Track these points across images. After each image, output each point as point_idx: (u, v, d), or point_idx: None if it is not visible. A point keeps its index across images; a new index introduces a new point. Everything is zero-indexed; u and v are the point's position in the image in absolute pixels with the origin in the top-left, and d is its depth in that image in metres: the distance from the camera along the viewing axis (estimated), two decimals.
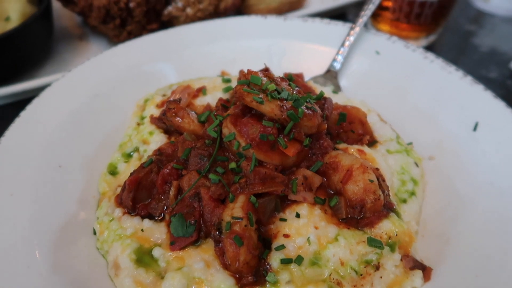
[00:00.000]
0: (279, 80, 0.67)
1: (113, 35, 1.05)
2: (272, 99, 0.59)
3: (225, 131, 0.62)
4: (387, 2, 1.11)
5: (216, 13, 1.09)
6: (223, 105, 0.72)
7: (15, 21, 0.95)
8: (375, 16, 1.18)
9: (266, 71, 0.83)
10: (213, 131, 0.64)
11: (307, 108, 0.61)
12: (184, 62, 0.95)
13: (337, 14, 1.31)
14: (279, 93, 0.62)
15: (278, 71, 0.94)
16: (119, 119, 0.83)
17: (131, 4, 1.00)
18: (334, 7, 1.24)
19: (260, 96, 0.60)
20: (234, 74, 0.96)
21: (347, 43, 0.92)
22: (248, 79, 0.63)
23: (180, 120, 0.69)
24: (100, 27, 1.05)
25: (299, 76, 0.84)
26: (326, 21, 1.00)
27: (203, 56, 0.97)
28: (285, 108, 0.59)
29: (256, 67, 0.96)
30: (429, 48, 1.20)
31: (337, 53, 0.93)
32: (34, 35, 0.95)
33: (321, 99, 0.70)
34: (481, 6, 1.38)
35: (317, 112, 0.62)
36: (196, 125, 0.69)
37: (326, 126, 0.64)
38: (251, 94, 0.59)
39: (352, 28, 0.94)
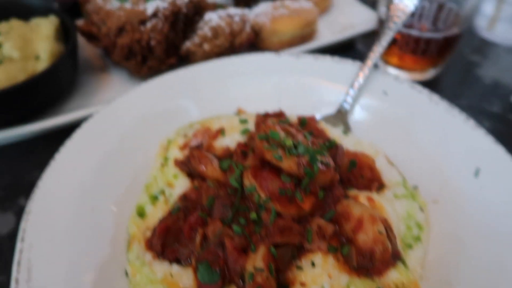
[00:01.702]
0: (294, 131, 0.73)
1: (134, 70, 1.11)
2: (290, 155, 0.65)
3: (246, 182, 0.68)
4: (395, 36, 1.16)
5: (232, 47, 1.15)
6: (243, 151, 0.78)
7: (44, 60, 1.01)
8: None
9: (280, 116, 0.89)
10: (235, 181, 0.70)
11: (322, 163, 0.67)
12: (202, 99, 1.01)
13: (346, 43, 1.37)
14: (295, 147, 0.67)
15: (291, 108, 1.00)
16: (144, 159, 0.89)
17: (152, 42, 1.05)
18: (343, 39, 1.29)
19: (279, 152, 0.66)
20: (250, 110, 1.02)
21: (356, 84, 0.98)
22: (267, 134, 0.69)
23: (204, 168, 0.75)
24: (122, 63, 1.10)
25: (312, 119, 0.90)
26: (336, 59, 1.06)
27: (220, 93, 1.03)
28: (302, 165, 0.65)
29: (270, 104, 1.03)
30: (434, 79, 1.25)
31: (347, 94, 0.99)
32: (62, 73, 1.01)
33: (333, 147, 0.76)
34: (485, 35, 1.43)
35: (331, 167, 0.67)
36: (219, 173, 0.74)
37: (338, 176, 0.70)
38: (271, 152, 0.66)
39: (361, 69, 1.00)
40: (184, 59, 1.19)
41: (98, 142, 0.87)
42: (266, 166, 0.68)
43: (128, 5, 1.07)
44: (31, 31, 1.04)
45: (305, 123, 0.88)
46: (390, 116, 0.95)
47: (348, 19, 1.40)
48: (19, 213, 0.92)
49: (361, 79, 0.98)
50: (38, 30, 1.05)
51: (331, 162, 0.69)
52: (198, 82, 1.03)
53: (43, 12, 1.12)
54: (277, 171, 0.67)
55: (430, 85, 1.24)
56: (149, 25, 1.04)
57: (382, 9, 1.17)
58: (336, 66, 1.05)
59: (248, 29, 1.14)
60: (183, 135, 0.91)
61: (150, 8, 1.04)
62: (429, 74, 1.23)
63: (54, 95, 1.03)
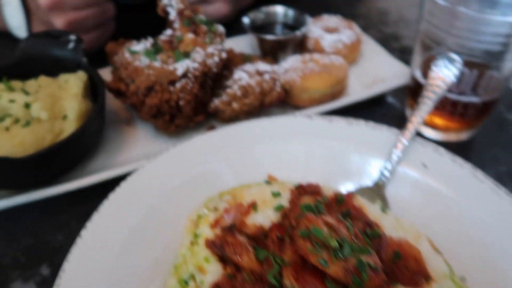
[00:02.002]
0: (336, 223, 0.68)
1: (161, 127, 1.08)
2: (336, 260, 0.61)
3: (287, 283, 0.63)
4: None
5: (261, 105, 1.12)
6: (279, 237, 0.74)
7: (72, 120, 0.98)
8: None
9: (315, 190, 0.85)
10: (274, 278, 0.65)
11: (370, 266, 0.62)
12: (233, 164, 0.98)
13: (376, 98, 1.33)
14: (340, 246, 0.63)
15: (324, 176, 0.96)
16: (172, 234, 0.85)
17: (181, 102, 1.03)
18: (374, 95, 1.26)
19: (324, 256, 0.61)
20: (281, 177, 0.98)
21: (395, 157, 0.94)
22: (309, 229, 0.65)
23: (239, 258, 0.71)
24: (150, 120, 1.08)
25: (350, 197, 0.86)
26: (371, 125, 1.02)
27: (250, 158, 0.99)
28: (349, 271, 0.60)
29: (302, 170, 1.00)
30: (469, 140, 1.20)
31: (385, 167, 0.94)
32: (89, 134, 0.98)
33: (376, 237, 0.72)
34: None
35: (379, 272, 0.63)
36: (255, 264, 0.70)
37: (385, 277, 0.65)
38: (315, 256, 0.61)
39: (399, 140, 0.96)
40: (212, 115, 1.16)
41: (124, 216, 0.83)
42: (307, 264, 0.64)
43: (157, 63, 1.05)
44: (59, 89, 1.03)
45: (343, 201, 0.84)
46: (430, 193, 0.90)
47: (377, 71, 1.37)
48: (41, 284, 0.88)
49: (399, 151, 0.94)
50: (66, 87, 1.03)
51: (379, 263, 0.64)
52: (228, 146, 0.99)
53: (72, 66, 1.11)
54: (320, 272, 0.62)
55: (465, 147, 1.19)
56: (178, 85, 1.02)
57: (417, 72, 1.13)
58: (371, 132, 1.01)
59: (278, 88, 1.11)
60: (213, 209, 0.87)
61: (180, 69, 1.01)
62: (465, 135, 1.18)
63: (80, 156, 1.01)
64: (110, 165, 1.06)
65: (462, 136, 1.18)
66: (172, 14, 1.08)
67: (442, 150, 0.94)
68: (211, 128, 1.16)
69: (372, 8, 1.84)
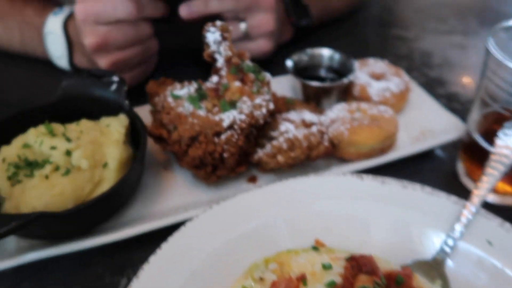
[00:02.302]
0: None
1: (202, 177, 1.03)
2: None
3: None
4: None
5: (307, 159, 1.06)
6: None
7: (112, 169, 0.95)
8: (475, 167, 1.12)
9: (372, 270, 0.78)
10: None
11: None
12: (277, 227, 0.92)
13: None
14: None
15: (376, 246, 0.89)
16: None
17: (225, 154, 0.98)
18: (423, 150, 1.19)
19: None
20: (329, 242, 0.92)
21: (456, 232, 0.86)
22: None
23: None
24: (191, 169, 1.03)
25: (409, 277, 0.78)
26: (427, 190, 0.95)
27: (296, 220, 0.93)
28: None
29: (352, 236, 0.93)
30: None
31: (445, 242, 0.87)
32: (130, 183, 0.94)
33: None
34: None
35: None
36: None
37: None
38: None
39: (462, 215, 0.88)
40: (254, 165, 1.11)
41: (164, 283, 0.78)
42: None
43: (202, 112, 1.01)
44: (101, 134, 0.99)
45: (402, 282, 0.76)
46: (496, 274, 0.82)
47: (426, 122, 1.30)
48: None
49: (462, 226, 0.86)
50: (108, 133, 1.00)
51: None
52: (273, 206, 0.94)
53: (114, 107, 1.08)
54: None
55: None
56: (223, 137, 0.97)
57: (474, 129, 1.06)
58: (428, 199, 0.93)
59: (326, 142, 1.05)
60: (259, 279, 0.81)
61: (226, 120, 0.97)
62: None
63: (117, 207, 0.97)
64: (147, 215, 1.01)
65: None
66: (220, 62, 1.04)
67: (508, 225, 0.86)
68: (253, 179, 1.11)
69: (415, 49, 1.78)
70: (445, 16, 2.02)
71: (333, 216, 0.94)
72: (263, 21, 1.29)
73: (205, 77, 1.17)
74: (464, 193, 1.11)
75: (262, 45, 1.36)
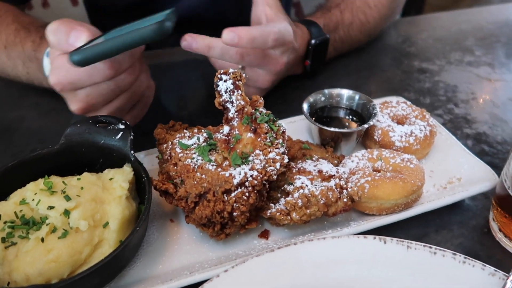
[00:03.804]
0: None
1: (210, 235, 0.96)
2: None
3: None
4: None
5: (324, 215, 0.98)
6: None
7: (113, 230, 0.89)
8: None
9: None
10: None
11: None
12: None
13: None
14: None
15: None
16: None
17: (235, 213, 0.90)
18: (451, 202, 1.09)
19: None
20: None
21: None
22: None
23: None
24: (198, 227, 0.96)
25: None
26: (459, 258, 0.85)
27: (312, 286, 0.85)
28: None
29: None
30: None
31: None
32: (132, 245, 0.87)
33: None
34: None
35: None
36: None
37: None
38: None
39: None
40: (266, 219, 1.03)
41: None
42: None
43: (211, 166, 0.94)
44: (103, 190, 0.93)
45: None
46: None
47: (453, 169, 1.20)
48: None
49: None
50: (110, 188, 0.93)
51: None
52: (288, 272, 0.85)
53: (118, 157, 1.02)
54: None
55: None
56: (233, 195, 0.90)
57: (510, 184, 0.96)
58: (460, 269, 0.83)
59: (345, 198, 0.97)
60: None
61: (237, 177, 0.89)
62: None
63: (117, 271, 0.89)
64: (149, 276, 0.94)
65: None
66: (232, 111, 0.97)
67: None
68: (264, 234, 1.03)
69: (439, 82, 1.69)
70: (470, 46, 1.93)
71: (353, 284, 0.85)
72: (261, 78, 1.27)
73: (216, 123, 1.10)
74: (499, 253, 1.01)
75: (252, 92, 1.31)
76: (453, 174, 1.18)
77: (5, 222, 0.87)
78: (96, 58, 0.92)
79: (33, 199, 0.88)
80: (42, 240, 0.83)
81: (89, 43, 0.98)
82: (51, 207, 0.86)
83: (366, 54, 1.85)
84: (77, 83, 1.01)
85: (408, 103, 1.31)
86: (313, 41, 1.47)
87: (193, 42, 1.08)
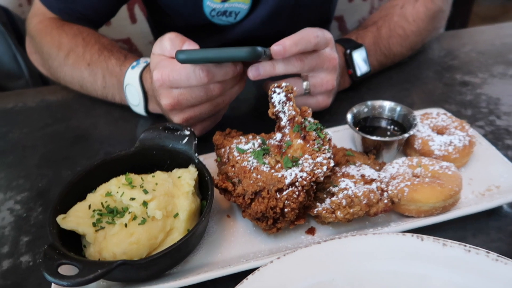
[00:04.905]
0: None
1: (263, 228, 1.09)
2: None
3: None
4: None
5: (366, 215, 1.08)
6: None
7: (182, 219, 1.03)
8: None
9: None
10: None
11: None
12: (336, 285, 0.94)
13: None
14: None
15: None
16: None
17: (286, 209, 1.03)
18: (489, 208, 1.16)
19: None
20: None
21: None
22: None
23: None
24: (253, 221, 1.09)
25: None
26: (493, 256, 0.92)
27: (354, 278, 0.95)
28: None
29: None
30: None
31: None
32: (197, 234, 1.02)
33: None
34: None
35: None
36: None
37: None
38: None
39: None
40: (313, 217, 1.14)
41: None
42: None
43: (265, 168, 1.07)
44: (173, 186, 1.09)
45: None
46: None
47: (492, 177, 1.26)
48: None
49: None
50: (179, 185, 1.09)
51: None
52: (332, 263, 0.96)
53: (184, 159, 1.17)
54: None
55: None
56: (285, 193, 1.02)
57: None
58: (494, 267, 0.91)
59: (385, 199, 1.07)
60: None
61: (288, 177, 1.02)
62: None
63: (185, 255, 1.05)
64: (210, 263, 1.08)
65: None
66: (284, 120, 1.10)
67: None
68: (311, 231, 1.14)
69: (481, 95, 1.74)
70: None
71: (391, 277, 0.95)
72: (325, 80, 1.36)
73: (268, 130, 1.24)
74: None
75: (321, 101, 1.43)
76: (492, 182, 1.24)
77: (94, 210, 1.04)
78: (197, 59, 1.12)
79: (117, 192, 1.05)
80: (126, 225, 0.99)
81: None
82: (132, 199, 1.02)
83: (409, 67, 1.93)
84: (175, 82, 1.20)
85: (448, 114, 1.38)
86: (347, 51, 1.58)
87: (258, 70, 1.24)
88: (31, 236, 1.23)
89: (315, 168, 1.04)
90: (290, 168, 1.05)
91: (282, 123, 1.11)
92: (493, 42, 2.12)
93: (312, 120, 1.13)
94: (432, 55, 2.05)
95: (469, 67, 1.92)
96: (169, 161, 1.20)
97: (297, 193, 1.03)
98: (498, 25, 2.30)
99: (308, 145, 1.08)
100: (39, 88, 2.11)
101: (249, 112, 1.72)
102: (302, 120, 1.11)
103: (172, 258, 0.99)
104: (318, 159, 1.05)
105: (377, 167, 1.23)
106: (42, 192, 1.40)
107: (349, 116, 1.33)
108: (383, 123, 1.38)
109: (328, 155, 1.07)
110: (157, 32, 2.27)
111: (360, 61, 1.65)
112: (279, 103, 1.11)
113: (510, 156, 1.41)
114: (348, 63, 1.63)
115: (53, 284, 0.99)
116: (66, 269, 0.94)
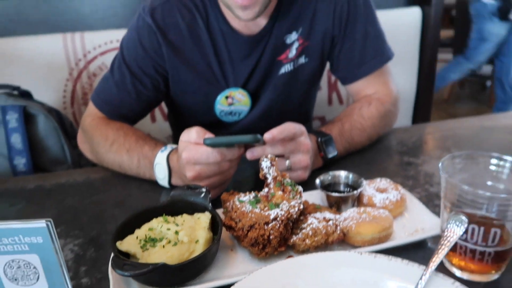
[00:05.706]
0: None
1: (255, 253, 1.57)
2: None
3: None
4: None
5: (326, 243, 1.58)
6: None
7: (201, 244, 1.51)
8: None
9: None
10: None
11: None
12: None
13: (419, 243, 1.71)
14: None
15: None
16: None
17: (271, 237, 1.53)
18: (414, 241, 1.65)
19: None
20: None
21: (419, 287, 1.31)
22: None
23: None
24: (248, 247, 1.58)
25: None
26: (405, 262, 1.40)
27: (320, 284, 1.42)
28: None
29: None
30: (499, 279, 1.49)
31: None
32: (211, 254, 1.49)
33: None
34: None
35: None
36: None
37: None
38: None
39: (423, 275, 1.33)
40: (290, 247, 1.63)
41: None
42: None
43: (257, 210, 1.60)
44: (195, 222, 1.60)
45: None
46: None
47: (419, 223, 1.76)
48: None
49: (423, 282, 1.31)
50: (199, 222, 1.60)
51: None
52: (302, 273, 1.44)
53: (202, 208, 1.70)
54: None
55: (495, 286, 1.48)
56: (270, 225, 1.54)
57: (443, 225, 1.54)
58: (404, 267, 1.39)
59: (339, 231, 1.58)
60: None
61: (272, 215, 1.55)
62: (493, 276, 1.49)
63: (202, 269, 1.51)
64: (219, 277, 1.54)
65: (490, 277, 1.48)
66: (269, 179, 1.66)
67: (457, 283, 1.29)
68: (290, 257, 1.62)
69: (420, 171, 2.31)
70: (448, 147, 2.58)
71: (350, 282, 1.41)
72: (302, 159, 1.94)
73: (260, 188, 1.79)
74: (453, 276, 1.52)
75: (300, 175, 2.00)
76: (419, 225, 1.76)
77: (140, 240, 1.54)
78: (218, 144, 1.72)
79: (157, 226, 1.56)
80: (163, 246, 1.48)
81: None
82: (168, 229, 1.54)
83: (368, 153, 2.53)
84: (197, 160, 1.76)
85: (388, 180, 1.95)
86: (319, 139, 2.18)
87: (253, 152, 1.85)
88: (88, 266, 1.69)
89: (290, 208, 1.57)
90: (273, 209, 1.58)
91: (268, 181, 1.66)
92: (434, 135, 2.77)
93: (289, 180, 1.69)
94: (387, 144, 2.67)
95: (414, 152, 2.53)
96: (191, 209, 1.73)
97: (278, 225, 1.54)
98: (441, 122, 2.98)
99: (285, 195, 1.62)
100: (85, 168, 2.69)
101: (245, 179, 2.27)
102: (282, 179, 1.67)
103: (196, 267, 1.46)
104: (292, 203, 1.58)
105: (336, 214, 1.75)
106: (93, 239, 1.88)
107: (317, 181, 1.89)
108: (341, 187, 1.94)
109: (300, 201, 1.61)
110: (176, 128, 2.93)
111: (329, 147, 2.26)
112: (266, 168, 1.68)
113: (437, 211, 1.94)
114: (320, 148, 2.23)
115: (111, 284, 1.45)
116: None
